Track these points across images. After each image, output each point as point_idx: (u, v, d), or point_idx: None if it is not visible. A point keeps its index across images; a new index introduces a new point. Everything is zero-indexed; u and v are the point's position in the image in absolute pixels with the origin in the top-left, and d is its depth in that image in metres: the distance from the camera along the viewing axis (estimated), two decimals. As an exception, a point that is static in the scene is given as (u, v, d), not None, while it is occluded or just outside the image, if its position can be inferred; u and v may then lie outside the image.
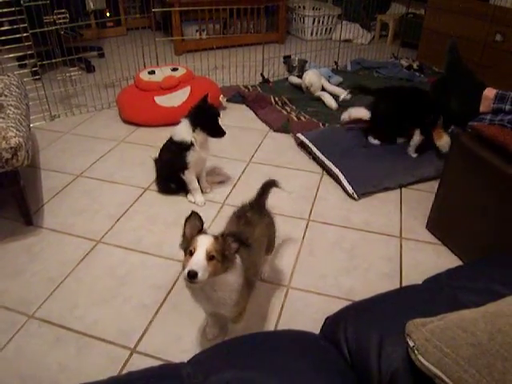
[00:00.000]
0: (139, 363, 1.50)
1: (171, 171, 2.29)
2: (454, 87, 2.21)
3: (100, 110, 3.33)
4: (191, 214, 1.27)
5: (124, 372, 1.46)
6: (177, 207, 2.28)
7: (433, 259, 2.01)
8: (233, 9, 4.76)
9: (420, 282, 1.28)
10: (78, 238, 2.05)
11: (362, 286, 1.85)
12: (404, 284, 1.86)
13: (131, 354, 1.53)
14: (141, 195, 2.37)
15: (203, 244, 1.19)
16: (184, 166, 2.22)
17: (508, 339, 0.74)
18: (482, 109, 2.11)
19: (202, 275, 1.16)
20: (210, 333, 1.62)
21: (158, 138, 2.91)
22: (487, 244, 1.85)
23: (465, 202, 1.94)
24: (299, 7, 5.34)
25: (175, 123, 3.10)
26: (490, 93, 2.09)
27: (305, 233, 2.13)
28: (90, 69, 3.97)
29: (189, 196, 2.34)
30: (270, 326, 1.66)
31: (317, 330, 1.51)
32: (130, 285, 1.81)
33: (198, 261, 1.16)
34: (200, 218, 1.27)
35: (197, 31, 4.77)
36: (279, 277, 1.88)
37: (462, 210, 1.96)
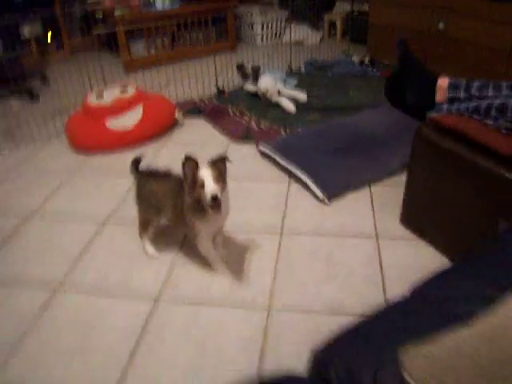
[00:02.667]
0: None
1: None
2: (407, 81, 2.16)
3: (47, 141, 3.15)
4: (186, 158, 1.53)
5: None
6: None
7: (412, 256, 1.93)
8: (180, 21, 4.68)
9: (403, 285, 1.24)
10: (32, 287, 1.87)
11: (346, 294, 1.76)
12: (387, 287, 1.78)
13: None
14: (101, 229, 2.22)
15: (208, 174, 1.51)
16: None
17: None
18: (437, 99, 2.08)
19: (220, 195, 1.50)
20: (221, 266, 1.90)
21: (114, 164, 2.78)
22: (461, 233, 1.81)
23: (433, 193, 1.89)
24: (247, 14, 5.27)
25: (130, 146, 2.99)
26: (443, 82, 2.06)
27: (279, 247, 2.03)
28: (33, 98, 3.77)
29: (147, 247, 2.05)
30: (253, 360, 1.52)
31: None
32: (98, 334, 1.65)
33: (213, 187, 1.49)
34: (193, 158, 1.53)
35: (145, 47, 4.63)
36: (257, 299, 1.76)
37: (431, 201, 1.91)
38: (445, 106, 2.00)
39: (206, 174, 1.51)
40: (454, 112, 1.91)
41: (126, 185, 2.53)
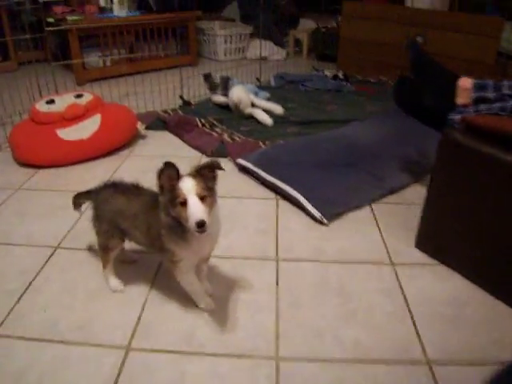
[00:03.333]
0: None
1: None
2: (423, 83, 1.91)
3: (-14, 154, 2.66)
4: (164, 165, 1.18)
5: None
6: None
7: (437, 285, 1.62)
8: (139, 32, 4.31)
9: (435, 321, 1.25)
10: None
11: (370, 335, 1.40)
12: (419, 324, 1.43)
13: None
14: (50, 256, 1.76)
15: (190, 189, 1.17)
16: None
17: None
18: (460, 101, 1.83)
19: (208, 220, 1.15)
20: (209, 303, 1.51)
21: (67, 179, 2.34)
22: (498, 257, 1.52)
23: (464, 209, 1.58)
24: (209, 28, 4.97)
25: (86, 159, 2.55)
26: (466, 83, 1.84)
27: (277, 277, 1.65)
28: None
29: (111, 281, 1.61)
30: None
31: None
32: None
33: (198, 208, 1.15)
34: (174, 165, 1.18)
35: (100, 57, 4.20)
36: (261, 346, 1.36)
37: (460, 220, 1.60)
38: (470, 108, 1.74)
39: (189, 188, 1.16)
40: (484, 112, 1.64)
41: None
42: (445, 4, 3.84)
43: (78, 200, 1.64)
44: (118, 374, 1.27)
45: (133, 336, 1.39)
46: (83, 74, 4.05)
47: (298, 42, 5.32)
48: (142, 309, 1.50)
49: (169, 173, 1.18)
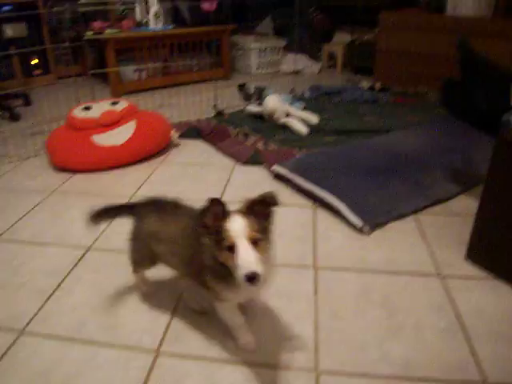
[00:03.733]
0: None
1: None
2: (474, 84, 1.80)
3: (25, 160, 2.66)
4: (211, 202, 1.01)
5: None
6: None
7: (493, 300, 1.48)
8: (174, 46, 4.33)
9: (492, 339, 1.14)
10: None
11: (418, 352, 1.28)
12: (474, 342, 1.31)
13: None
14: (82, 257, 1.72)
15: (241, 232, 0.99)
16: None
17: None
18: None
19: (262, 271, 0.96)
20: (249, 342, 1.30)
21: (100, 184, 2.31)
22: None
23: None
24: (242, 42, 4.96)
25: (119, 165, 2.52)
26: None
27: (316, 286, 1.56)
28: (14, 117, 3.32)
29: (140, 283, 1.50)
30: None
31: None
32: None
33: (249, 256, 0.97)
34: (220, 201, 1.02)
35: (135, 71, 4.23)
36: (299, 357, 1.26)
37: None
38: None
39: (238, 230, 0.98)
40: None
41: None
42: (489, 10, 3.68)
43: (104, 215, 1.39)
44: (146, 379, 1.19)
45: (162, 340, 1.32)
46: (119, 87, 4.08)
47: (332, 56, 5.26)
48: (173, 314, 1.43)
49: (214, 210, 1.01)
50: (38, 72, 4.44)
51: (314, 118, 3.11)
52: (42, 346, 1.31)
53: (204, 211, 1.02)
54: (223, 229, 0.99)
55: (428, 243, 1.79)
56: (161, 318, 1.41)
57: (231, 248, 0.98)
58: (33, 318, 1.41)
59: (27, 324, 1.39)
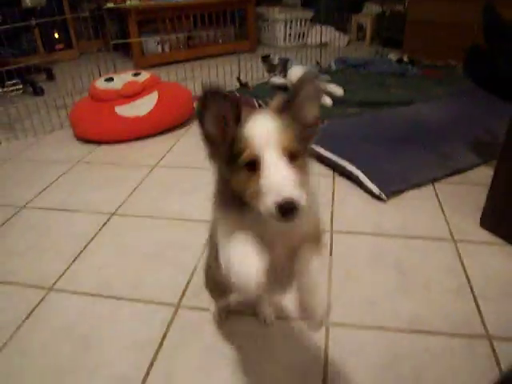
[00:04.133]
0: None
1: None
2: (497, 49, 1.77)
3: (50, 133, 2.76)
4: (208, 94, 0.68)
5: None
6: (157, 233, 1.72)
7: (503, 264, 1.50)
8: (197, 18, 4.33)
9: (499, 299, 1.11)
10: (20, 288, 1.46)
11: (427, 309, 1.31)
12: (480, 301, 1.33)
13: None
14: (106, 222, 1.80)
15: (270, 137, 0.67)
16: None
17: None
18: None
19: (304, 200, 0.64)
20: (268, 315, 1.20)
21: (122, 155, 2.38)
22: None
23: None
24: (268, 13, 4.93)
25: (142, 136, 2.59)
26: None
27: (331, 248, 1.59)
28: (38, 91, 3.41)
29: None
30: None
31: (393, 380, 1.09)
32: (98, 348, 1.22)
33: (286, 177, 0.65)
34: (225, 95, 0.69)
35: (158, 43, 4.27)
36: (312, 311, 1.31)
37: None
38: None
39: (266, 139, 0.67)
40: None
41: (136, 177, 2.14)
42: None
43: None
44: (167, 330, 1.27)
45: (182, 296, 1.39)
46: (142, 60, 4.13)
47: (360, 28, 5.17)
48: (192, 273, 1.49)
49: (220, 105, 0.69)
50: (60, 47, 4.52)
51: (338, 91, 3.09)
52: (69, 302, 1.39)
53: (201, 111, 0.70)
54: (238, 136, 0.69)
55: (444, 210, 1.80)
56: (181, 277, 1.47)
57: (253, 165, 0.68)
58: (60, 276, 1.50)
59: (55, 282, 1.48)
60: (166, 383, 1.11)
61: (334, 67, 3.93)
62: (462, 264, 1.50)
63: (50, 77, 3.84)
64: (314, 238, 0.84)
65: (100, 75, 2.91)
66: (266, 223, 0.72)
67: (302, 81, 0.72)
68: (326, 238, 1.64)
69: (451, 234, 1.66)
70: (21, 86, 2.71)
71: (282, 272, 0.84)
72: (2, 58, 3.38)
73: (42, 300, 1.40)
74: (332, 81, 3.37)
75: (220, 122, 0.71)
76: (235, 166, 0.69)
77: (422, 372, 1.12)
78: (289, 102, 0.72)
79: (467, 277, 1.44)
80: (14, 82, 2.68)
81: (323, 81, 3.29)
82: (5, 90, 2.65)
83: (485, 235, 1.65)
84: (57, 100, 3.01)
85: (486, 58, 1.82)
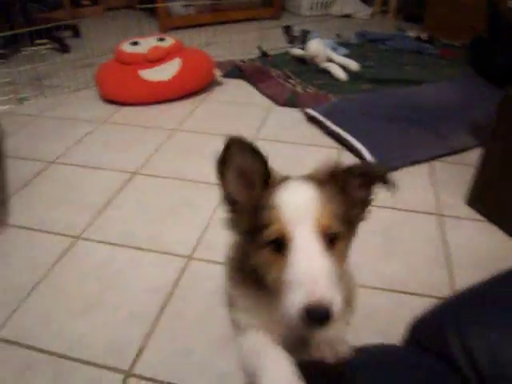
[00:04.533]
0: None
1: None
2: (497, 41, 1.88)
3: (76, 91, 2.92)
4: (231, 142, 0.57)
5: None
6: (175, 192, 1.91)
7: (481, 239, 1.67)
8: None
9: (472, 270, 1.17)
10: (52, 235, 1.67)
11: (406, 273, 1.50)
12: (455, 270, 1.51)
13: (125, 380, 1.16)
14: (129, 180, 1.99)
15: (305, 212, 0.55)
16: None
17: None
18: None
19: (339, 302, 0.52)
20: None
21: (146, 117, 2.56)
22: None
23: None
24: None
25: (165, 100, 2.75)
26: None
27: (328, 215, 1.77)
28: (64, 48, 3.54)
29: None
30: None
31: (369, 329, 1.24)
32: (119, 288, 1.44)
33: (321, 270, 0.53)
34: (253, 148, 0.58)
35: (184, 6, 4.36)
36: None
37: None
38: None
39: (299, 215, 0.57)
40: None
41: (158, 139, 2.32)
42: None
43: None
44: (180, 276, 1.48)
45: (195, 249, 1.59)
46: (167, 21, 4.23)
47: (385, 1, 5.16)
48: (205, 230, 1.69)
49: (246, 161, 0.60)
50: (86, 2, 4.57)
51: (354, 65, 3.19)
52: (95, 249, 1.60)
53: (223, 165, 0.60)
54: (265, 203, 0.58)
55: (435, 187, 1.95)
56: (194, 233, 1.67)
57: (279, 244, 0.57)
58: (87, 227, 1.71)
59: (82, 231, 1.68)
60: (176, 321, 1.32)
61: (353, 40, 4.00)
62: (444, 236, 1.67)
63: (76, 34, 3.94)
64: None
65: (126, 35, 3.04)
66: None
67: (370, 166, 0.63)
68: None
69: (438, 209, 1.82)
70: (50, 46, 2.83)
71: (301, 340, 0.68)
72: (31, 15, 3.49)
73: (71, 246, 1.61)
74: (349, 55, 3.47)
75: (245, 181, 0.60)
76: (258, 241, 0.57)
77: (396, 324, 1.31)
78: (339, 172, 0.61)
79: (447, 248, 1.61)
80: (45, 41, 2.80)
81: (340, 54, 3.38)
82: (34, 48, 2.79)
83: (469, 212, 1.81)
84: (83, 59, 3.15)
85: (486, 48, 1.93)
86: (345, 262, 0.63)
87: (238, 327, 0.69)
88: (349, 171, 0.61)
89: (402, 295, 1.41)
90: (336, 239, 0.57)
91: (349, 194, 0.62)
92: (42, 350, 1.24)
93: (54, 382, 1.16)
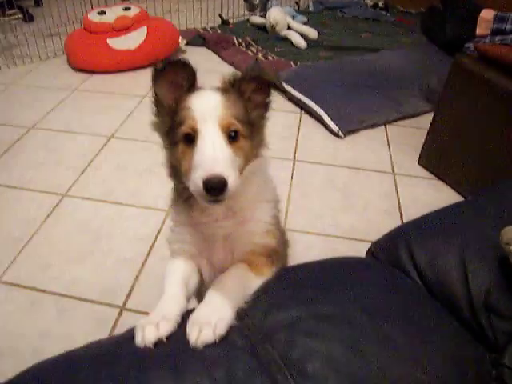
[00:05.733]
0: (131, 322, 1.29)
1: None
2: (448, 13, 2.08)
3: (45, 60, 2.97)
4: (169, 63, 0.69)
5: (115, 332, 1.26)
6: (149, 153, 2.04)
7: (430, 194, 1.90)
8: None
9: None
10: (40, 193, 1.80)
11: (362, 223, 1.72)
12: (405, 220, 1.73)
13: (121, 313, 1.34)
14: (105, 144, 2.11)
15: (210, 112, 0.66)
16: None
17: None
18: (478, 31, 2.01)
19: (233, 180, 0.63)
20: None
21: (115, 84, 2.65)
22: (485, 173, 1.74)
23: (464, 130, 1.82)
24: None
25: (132, 68, 2.84)
26: (487, 14, 2.00)
27: (292, 173, 1.97)
28: (27, 18, 3.52)
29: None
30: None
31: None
32: (108, 238, 1.60)
33: (218, 153, 0.64)
34: (185, 63, 0.70)
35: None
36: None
37: (460, 139, 1.84)
38: (487, 39, 1.93)
39: (206, 112, 0.68)
40: (498, 43, 1.83)
41: (129, 105, 2.43)
42: None
43: None
44: (160, 228, 1.65)
45: (172, 204, 1.75)
46: (129, -12, 4.23)
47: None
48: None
49: (172, 75, 0.70)
50: None
51: (313, 33, 3.34)
52: (81, 205, 1.75)
53: (156, 74, 0.70)
54: (182, 106, 0.69)
55: (390, 149, 2.17)
56: (169, 189, 1.82)
57: (190, 138, 0.67)
58: (71, 186, 1.84)
59: (68, 190, 1.82)
60: (160, 263, 1.49)
61: (312, 8, 4.13)
62: (397, 192, 1.89)
63: (38, 3, 3.92)
64: (266, 252, 0.78)
65: (89, 4, 3.07)
66: (209, 215, 0.77)
67: (248, 75, 0.74)
68: (289, 165, 2.01)
69: (392, 167, 2.04)
70: (21, 15, 2.85)
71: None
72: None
73: (59, 202, 1.75)
74: (308, 23, 3.61)
75: (174, 88, 0.71)
76: (175, 138, 0.69)
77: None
78: (238, 81, 0.72)
79: (399, 202, 1.84)
80: (15, 11, 2.82)
81: (299, 22, 3.52)
82: (5, 18, 2.80)
83: (420, 171, 2.04)
84: (48, 28, 3.15)
85: (438, 18, 2.12)
86: (252, 163, 0.73)
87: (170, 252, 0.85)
88: (243, 78, 0.72)
89: (358, 242, 1.62)
90: (237, 135, 0.68)
91: (248, 98, 0.72)
92: (43, 291, 1.40)
93: (58, 316, 1.32)
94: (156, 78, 0.70)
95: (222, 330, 0.64)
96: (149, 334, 0.65)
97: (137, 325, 0.68)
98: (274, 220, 0.81)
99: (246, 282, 0.74)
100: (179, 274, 0.80)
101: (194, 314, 0.67)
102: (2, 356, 1.22)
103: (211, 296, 0.71)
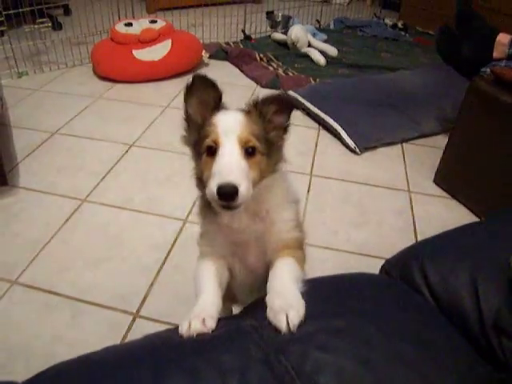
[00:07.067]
0: (144, 329, 1.33)
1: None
2: (464, 33, 2.09)
3: (71, 67, 3.04)
4: (196, 78, 0.75)
5: (128, 339, 1.29)
6: (169, 163, 2.08)
7: (445, 212, 1.91)
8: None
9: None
10: (60, 197, 1.84)
11: (376, 240, 1.73)
12: (419, 237, 1.74)
13: (134, 320, 1.36)
14: (126, 151, 2.16)
15: (231, 129, 0.73)
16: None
17: None
18: (495, 55, 2.02)
19: (245, 189, 0.69)
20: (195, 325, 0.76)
21: (139, 94, 2.71)
22: (502, 193, 1.74)
23: (479, 151, 1.83)
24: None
25: (156, 79, 2.90)
26: (503, 38, 2.00)
27: (309, 188, 1.99)
28: (56, 26, 3.62)
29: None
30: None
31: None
32: (125, 245, 1.63)
33: (233, 164, 0.70)
34: (213, 84, 0.77)
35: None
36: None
37: (475, 160, 1.85)
38: (503, 63, 1.94)
39: (226, 129, 0.74)
40: (513, 67, 1.85)
41: (151, 115, 2.48)
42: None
43: None
44: (177, 236, 1.68)
45: (189, 213, 1.78)
46: (154, 3, 4.33)
47: (363, -13, 5.34)
48: (197, 196, 1.87)
49: (203, 94, 0.77)
50: None
51: (332, 51, 3.38)
52: (100, 211, 1.79)
53: (187, 92, 0.77)
54: (208, 123, 0.76)
55: (406, 167, 2.19)
56: (187, 199, 1.85)
57: (212, 150, 0.73)
58: (91, 191, 1.88)
59: (88, 195, 1.86)
60: (175, 272, 1.52)
61: (332, 27, 4.18)
62: (412, 209, 1.90)
63: (67, 12, 4.02)
64: (294, 251, 0.84)
65: (115, 14, 3.15)
66: (239, 221, 0.81)
67: (277, 96, 0.79)
68: (306, 179, 2.03)
69: (408, 185, 2.05)
70: (50, 24, 2.93)
71: (255, 281, 0.88)
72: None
73: (78, 207, 1.79)
74: (328, 41, 3.66)
75: (202, 106, 0.78)
76: (201, 149, 0.76)
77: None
78: (260, 103, 0.78)
79: (413, 219, 1.85)
80: (45, 19, 2.91)
81: (320, 40, 3.57)
82: (35, 26, 2.89)
83: (435, 190, 2.05)
84: (75, 37, 3.24)
85: (453, 40, 2.13)
86: (266, 176, 0.78)
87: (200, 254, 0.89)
88: (264, 101, 0.77)
89: (372, 258, 1.63)
90: (254, 152, 0.74)
91: (268, 120, 0.78)
92: (59, 294, 1.43)
93: (72, 320, 1.35)
94: (187, 97, 0.78)
95: (303, 310, 0.68)
96: (195, 325, 0.70)
97: (182, 321, 0.72)
98: (297, 216, 0.87)
99: (297, 272, 0.81)
100: (213, 273, 0.84)
101: (270, 304, 0.70)
102: (15, 356, 1.25)
103: (276, 287, 0.75)
